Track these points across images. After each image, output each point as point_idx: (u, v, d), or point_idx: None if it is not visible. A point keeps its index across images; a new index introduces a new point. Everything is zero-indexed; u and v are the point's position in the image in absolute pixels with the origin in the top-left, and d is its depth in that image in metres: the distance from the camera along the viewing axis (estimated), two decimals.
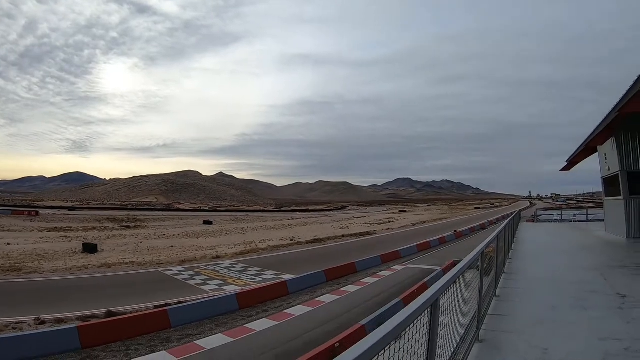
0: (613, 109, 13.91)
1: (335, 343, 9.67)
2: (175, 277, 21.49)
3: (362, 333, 10.53)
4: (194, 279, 20.81)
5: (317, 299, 16.38)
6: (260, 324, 12.99)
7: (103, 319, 12.64)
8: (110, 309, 14.31)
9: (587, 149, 23.09)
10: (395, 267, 23.65)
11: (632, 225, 18.21)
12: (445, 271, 19.86)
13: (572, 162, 27.24)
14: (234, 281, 20.33)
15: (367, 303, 15.65)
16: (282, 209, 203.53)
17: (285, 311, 14.57)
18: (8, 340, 10.08)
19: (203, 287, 18.99)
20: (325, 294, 17.21)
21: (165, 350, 10.79)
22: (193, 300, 15.18)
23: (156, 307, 14.46)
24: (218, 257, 28.43)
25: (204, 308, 14.09)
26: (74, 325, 11.33)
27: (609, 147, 19.99)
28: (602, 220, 32.89)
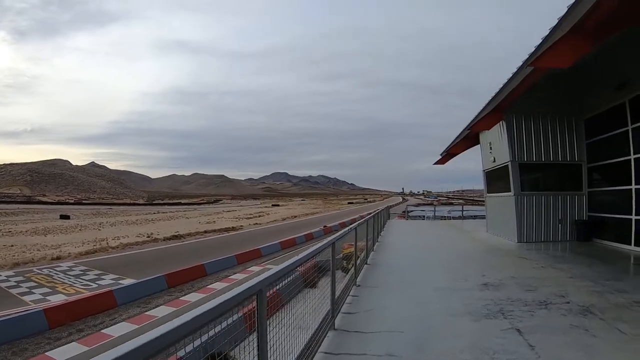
0: (524, 63, 10.61)
1: None
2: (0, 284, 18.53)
3: None
4: (20, 287, 17.84)
5: (148, 312, 13.92)
6: (64, 352, 10.47)
7: None
8: None
9: (468, 138, 20.49)
10: (252, 267, 21.05)
11: (523, 227, 15.39)
12: (303, 275, 16.59)
13: (449, 154, 24.78)
14: (64, 289, 17.48)
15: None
16: (154, 202, 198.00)
17: (103, 331, 12.07)
18: None
19: (25, 297, 16.11)
20: (162, 304, 14.79)
21: None
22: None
23: None
24: (59, 258, 25.45)
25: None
26: None
27: (496, 133, 17.09)
28: (476, 217, 31.69)
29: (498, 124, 16.44)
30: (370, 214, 13.96)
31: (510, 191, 15.88)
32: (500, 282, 8.64)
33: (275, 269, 3.46)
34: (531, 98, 15.08)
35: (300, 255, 4.26)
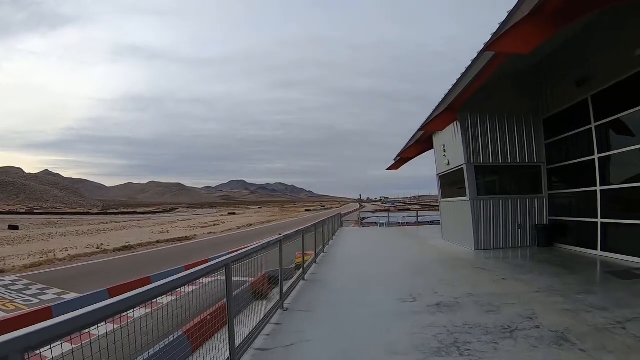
0: (482, 49, 9.47)
1: None
2: None
3: None
4: None
5: (88, 330, 11.15)
6: None
7: None
8: None
9: (421, 141, 19.50)
10: (203, 279, 19.02)
11: (480, 234, 14.27)
12: (253, 285, 15.43)
13: (402, 159, 23.85)
14: (3, 305, 15.84)
15: (147, 337, 10.62)
16: (108, 211, 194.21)
17: (40, 352, 9.18)
18: None
19: None
20: (107, 322, 12.21)
21: None
22: None
23: None
24: (2, 271, 23.82)
25: None
26: None
27: (450, 134, 16.01)
28: (432, 223, 30.81)
29: (452, 124, 15.42)
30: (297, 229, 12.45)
31: (465, 195, 14.80)
32: (455, 302, 7.26)
33: (45, 323, 2.26)
34: (487, 96, 14.15)
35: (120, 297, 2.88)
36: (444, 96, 13.43)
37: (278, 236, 7.57)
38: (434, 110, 14.75)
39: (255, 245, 6.14)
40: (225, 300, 7.46)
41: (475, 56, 10.25)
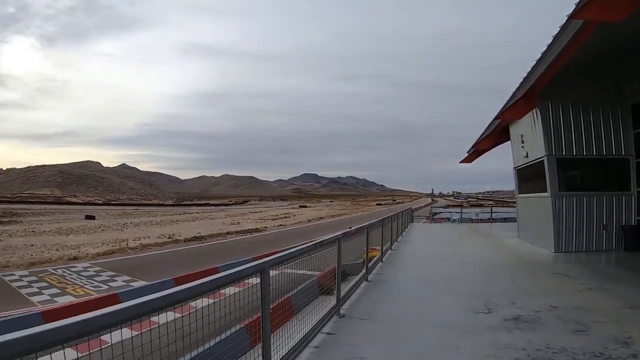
0: (568, 18, 8.40)
1: None
2: (12, 283, 18.05)
3: None
4: (31, 287, 17.31)
5: (152, 318, 11.51)
6: None
7: None
8: None
9: (496, 132, 18.30)
10: (270, 271, 19.45)
11: (562, 234, 13.03)
12: (320, 280, 15.12)
13: (476, 151, 22.58)
14: (74, 290, 16.86)
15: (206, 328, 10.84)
16: (182, 203, 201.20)
17: (104, 338, 9.58)
18: None
19: (33, 298, 15.41)
20: (168, 311, 12.55)
21: None
22: None
23: None
24: (75, 258, 24.98)
25: None
26: None
27: (528, 124, 14.81)
28: (506, 220, 29.37)
29: (531, 112, 14.20)
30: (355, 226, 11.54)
31: (546, 191, 13.55)
32: (535, 316, 6.26)
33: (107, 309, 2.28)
34: (568, 81, 13.04)
35: None
36: (521, 80, 12.33)
37: (336, 234, 6.91)
38: (511, 97, 13.67)
39: (306, 245, 5.53)
40: (289, 295, 6.88)
41: (557, 32, 9.28)
